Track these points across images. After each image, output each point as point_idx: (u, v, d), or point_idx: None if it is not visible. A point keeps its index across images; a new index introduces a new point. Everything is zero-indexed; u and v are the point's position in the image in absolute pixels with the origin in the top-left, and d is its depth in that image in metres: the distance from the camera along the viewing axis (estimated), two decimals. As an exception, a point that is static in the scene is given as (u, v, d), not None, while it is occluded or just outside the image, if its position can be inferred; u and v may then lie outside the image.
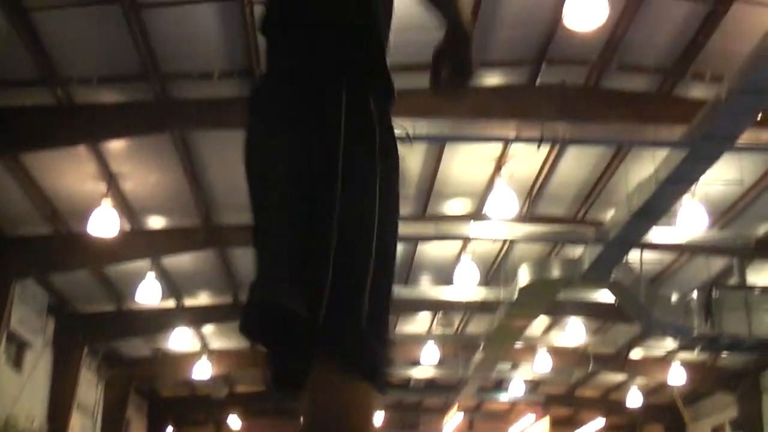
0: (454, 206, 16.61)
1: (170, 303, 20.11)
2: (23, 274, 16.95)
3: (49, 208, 15.27)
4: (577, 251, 16.68)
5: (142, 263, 17.59)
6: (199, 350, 24.08)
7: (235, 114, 12.27)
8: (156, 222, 16.56)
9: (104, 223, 14.37)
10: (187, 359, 24.38)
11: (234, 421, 34.13)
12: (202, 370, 24.22)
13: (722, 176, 13.34)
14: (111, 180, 14.34)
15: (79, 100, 12.21)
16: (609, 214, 15.21)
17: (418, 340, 23.89)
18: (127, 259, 17.19)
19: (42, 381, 19.48)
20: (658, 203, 12.97)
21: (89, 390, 22.73)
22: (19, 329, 17.78)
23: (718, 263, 17.68)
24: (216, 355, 24.60)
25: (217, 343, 24.34)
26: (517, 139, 12.18)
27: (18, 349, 18.48)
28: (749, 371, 24.74)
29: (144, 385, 28.03)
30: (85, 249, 16.13)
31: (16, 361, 18.44)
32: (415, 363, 25.85)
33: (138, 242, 16.65)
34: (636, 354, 25.09)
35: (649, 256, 16.78)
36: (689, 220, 14.63)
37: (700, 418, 29.27)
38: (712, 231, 15.62)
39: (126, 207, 15.42)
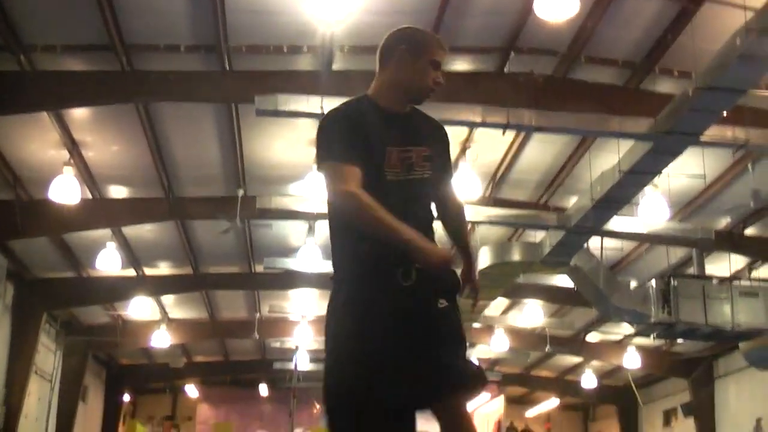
0: (418, 187, 16.47)
1: (130, 272, 19.95)
2: (-18, 240, 16.75)
3: (9, 174, 15.01)
4: (538, 236, 16.71)
5: (103, 232, 17.40)
6: (158, 319, 23.94)
7: (200, 88, 12.15)
8: (118, 192, 16.34)
9: (66, 190, 14.12)
10: (146, 328, 24.23)
11: (191, 389, 34.09)
12: (161, 339, 24.06)
13: (685, 170, 13.35)
14: (73, 148, 14.10)
15: (42, 67, 11.96)
16: (571, 201, 15.22)
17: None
18: (87, 228, 16.96)
19: (0, 347, 19.26)
20: (621, 193, 13.00)
21: (47, 356, 22.54)
22: (-23, 294, 17.59)
23: (677, 253, 17.81)
24: (175, 325, 24.49)
25: (176, 313, 24.24)
26: (483, 124, 12.08)
27: (-24, 314, 18.28)
28: (703, 358, 25.06)
29: (102, 353, 27.90)
30: (46, 216, 15.90)
31: (-26, 326, 18.24)
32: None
33: (99, 211, 16.43)
34: (592, 337, 25.29)
35: (609, 243, 16.84)
36: (651, 211, 14.70)
37: (653, 401, 29.70)
38: (673, 222, 15.68)
39: (88, 175, 15.19)
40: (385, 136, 3.59)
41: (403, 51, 3.72)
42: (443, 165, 3.91)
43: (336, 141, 3.55)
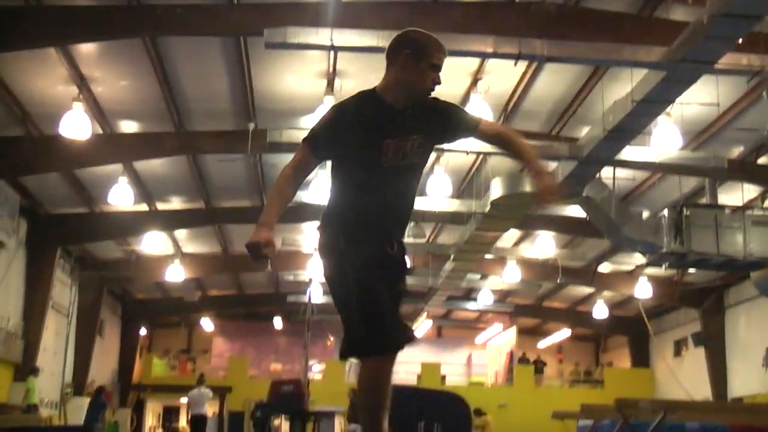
0: (429, 119, 16.38)
1: (143, 207, 19.97)
2: (-7, 176, 16.78)
3: (19, 110, 14.97)
4: (550, 166, 16.59)
5: (114, 167, 17.37)
6: (171, 254, 24.04)
7: (208, 21, 12.00)
8: (128, 126, 16.28)
9: (76, 126, 14.07)
10: (159, 262, 24.35)
11: (206, 323, 34.35)
12: (175, 273, 24.20)
13: (699, 98, 13.19)
14: (82, 83, 14.01)
15: (47, 2, 11.84)
16: (584, 132, 15.10)
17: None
18: (99, 163, 16.96)
19: (16, 282, 19.40)
20: (633, 122, 12.87)
21: (63, 291, 22.73)
22: (-10, 230, 17.67)
23: (690, 183, 17.68)
24: (188, 259, 24.60)
25: (189, 247, 24.32)
26: (495, 55, 11.93)
27: (-10, 250, 18.37)
28: (714, 288, 25.08)
29: (117, 287, 28.07)
30: (57, 151, 15.91)
31: (-11, 262, 18.34)
32: (387, 271, 25.92)
33: (110, 146, 16.40)
34: (604, 268, 25.28)
35: (622, 173, 16.74)
36: (664, 140, 14.55)
37: (664, 331, 29.80)
38: (686, 151, 15.56)
39: (98, 111, 15.14)
40: (385, 129, 4.19)
41: (407, 55, 4.20)
42: (455, 126, 4.45)
43: (315, 129, 4.25)
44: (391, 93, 4.25)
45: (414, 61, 4.19)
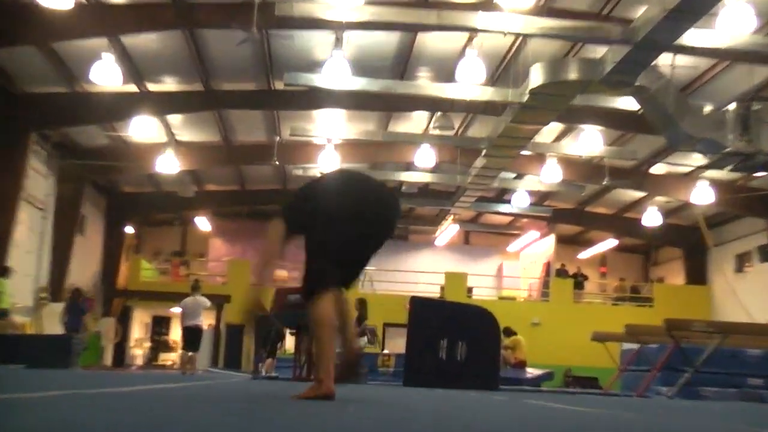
0: (461, -8, 16.33)
1: (131, 87, 20.00)
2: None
3: (-11, -28, 14.97)
4: (599, 51, 16.49)
5: (99, 41, 17.36)
6: (164, 142, 24.09)
7: None
8: (115, -5, 16.27)
9: (55, -8, 14.08)
10: (150, 151, 24.39)
11: (203, 222, 34.57)
12: (168, 164, 24.25)
13: (775, -27, 13.04)
14: (62, -57, 13.98)
15: None
16: (639, 12, 14.94)
17: (412, 141, 23.90)
18: (82, 36, 16.99)
19: (-17, 168, 19.53)
20: (698, 1, 12.71)
21: (38, 181, 22.87)
22: (-44, 109, 17.77)
23: (761, 73, 17.56)
24: (184, 148, 24.67)
25: (185, 135, 24.37)
26: None
27: (-44, 132, 18.48)
28: (785, 194, 25.02)
29: (102, 179, 28.20)
30: (33, 21, 15.91)
31: (-46, 145, 18.47)
32: (408, 167, 26.03)
33: (95, 16, 16.41)
34: (658, 169, 25.26)
35: (682, 60, 16.62)
36: (733, 23, 14.37)
37: (724, 242, 29.79)
38: (759, 36, 15.41)
39: (80, -24, 15.11)
40: None
41: None
42: None
43: None
44: None
45: None
